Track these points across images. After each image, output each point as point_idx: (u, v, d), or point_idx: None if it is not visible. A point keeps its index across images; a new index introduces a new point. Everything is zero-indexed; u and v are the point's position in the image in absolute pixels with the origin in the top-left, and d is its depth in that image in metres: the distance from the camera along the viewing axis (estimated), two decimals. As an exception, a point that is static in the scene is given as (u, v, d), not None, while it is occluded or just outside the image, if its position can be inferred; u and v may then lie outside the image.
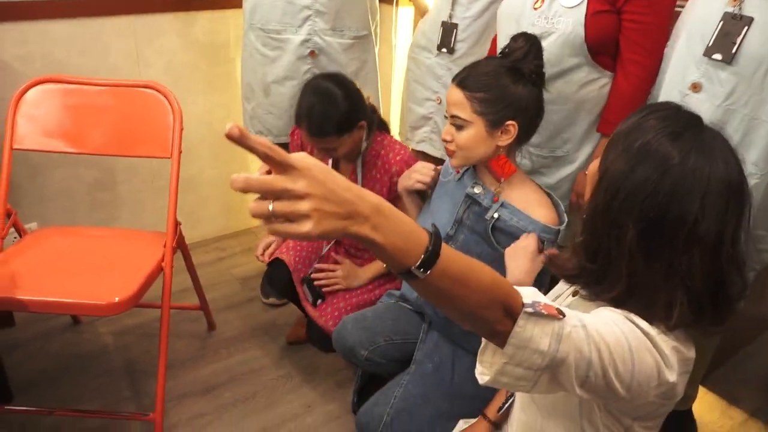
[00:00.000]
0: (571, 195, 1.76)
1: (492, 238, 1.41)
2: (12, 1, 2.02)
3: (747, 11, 1.29)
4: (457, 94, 1.39)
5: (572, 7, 1.54)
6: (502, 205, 1.41)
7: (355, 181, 1.81)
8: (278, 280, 1.92)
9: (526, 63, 1.39)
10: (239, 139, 0.59)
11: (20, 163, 2.16)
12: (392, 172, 1.77)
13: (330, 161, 1.84)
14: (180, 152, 1.85)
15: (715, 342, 1.68)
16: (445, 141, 1.42)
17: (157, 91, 1.87)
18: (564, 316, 0.77)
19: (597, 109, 1.65)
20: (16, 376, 1.96)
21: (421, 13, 2.27)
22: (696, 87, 1.39)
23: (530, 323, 0.74)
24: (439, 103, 2.11)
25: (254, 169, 2.49)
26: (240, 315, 2.37)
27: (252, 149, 0.60)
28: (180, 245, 1.93)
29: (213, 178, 2.72)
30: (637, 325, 0.85)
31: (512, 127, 1.38)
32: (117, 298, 1.58)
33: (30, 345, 2.15)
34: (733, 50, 1.30)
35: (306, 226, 0.61)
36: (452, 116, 1.40)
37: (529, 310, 0.74)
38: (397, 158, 1.77)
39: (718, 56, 1.33)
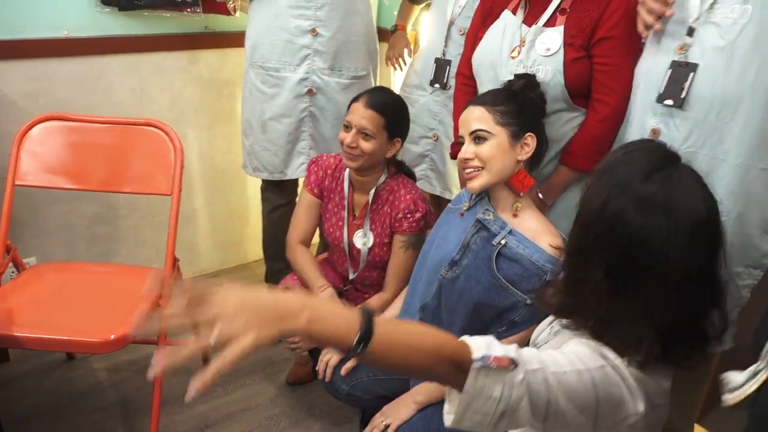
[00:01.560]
0: None
1: (494, 264, 1.42)
2: (19, 39, 2.07)
3: (692, 58, 1.37)
4: (477, 110, 1.42)
5: (550, 56, 1.58)
6: (510, 232, 1.43)
7: (365, 212, 1.82)
8: None
9: (530, 87, 1.50)
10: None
11: (21, 198, 2.17)
12: (399, 208, 1.79)
13: (347, 186, 1.84)
14: (180, 190, 1.87)
15: (705, 377, 1.68)
16: (466, 161, 1.42)
17: (159, 128, 1.90)
18: (516, 365, 0.81)
19: None
20: (9, 412, 1.95)
21: (398, 52, 2.33)
22: (655, 132, 1.45)
23: (481, 376, 0.80)
24: (436, 140, 2.15)
25: (256, 205, 2.50)
26: (236, 351, 2.36)
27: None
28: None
29: (213, 213, 2.74)
30: (606, 358, 0.88)
31: (531, 138, 1.43)
32: (112, 336, 1.58)
33: (23, 381, 2.13)
34: (682, 95, 1.38)
35: (249, 338, 0.67)
36: (474, 131, 1.42)
37: (478, 365, 0.80)
38: (407, 196, 1.80)
39: (669, 102, 1.40)
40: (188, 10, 2.27)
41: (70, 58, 2.18)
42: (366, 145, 1.71)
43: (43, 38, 2.11)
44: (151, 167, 1.90)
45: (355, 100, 1.75)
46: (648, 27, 1.43)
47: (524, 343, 1.48)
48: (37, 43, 2.10)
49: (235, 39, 2.40)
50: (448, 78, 2.09)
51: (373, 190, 1.81)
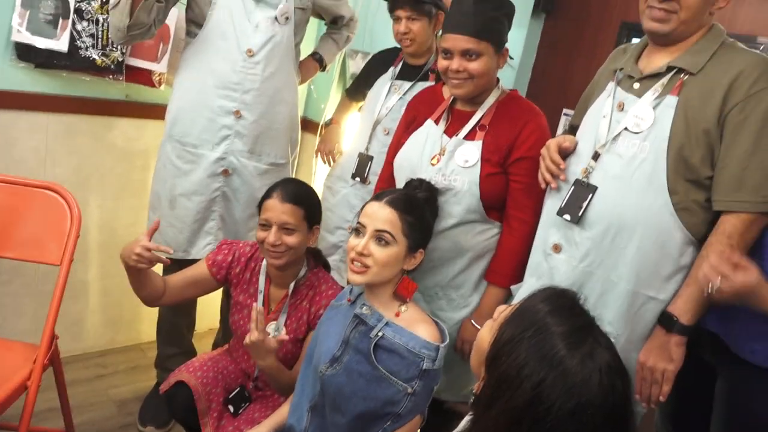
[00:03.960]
0: (456, 340, 1.77)
1: (373, 356, 1.42)
2: None
3: (593, 181, 1.45)
4: (389, 212, 1.43)
5: (468, 168, 1.65)
6: (386, 324, 1.44)
7: (282, 306, 1.75)
8: (181, 405, 1.72)
9: (430, 203, 1.56)
10: None
11: None
12: (321, 304, 1.73)
13: (263, 279, 1.76)
14: (71, 261, 1.74)
15: None
16: (360, 255, 1.41)
17: (57, 193, 1.78)
18: None
19: (489, 256, 1.74)
20: None
21: (330, 147, 2.38)
22: (557, 248, 1.50)
23: None
24: (350, 232, 2.14)
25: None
26: (111, 443, 2.14)
27: None
28: (53, 362, 1.74)
29: (106, 286, 2.55)
30: None
31: (420, 254, 1.49)
32: (-36, 421, 1.39)
33: None
34: (579, 213, 1.44)
35: None
36: (380, 231, 1.42)
37: None
38: (329, 292, 1.75)
39: (567, 216, 1.46)
40: (110, 76, 2.21)
41: (-29, 110, 2.06)
42: (290, 240, 1.66)
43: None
44: (42, 233, 1.76)
45: (267, 197, 1.70)
46: (546, 182, 1.52)
47: None
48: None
49: (156, 111, 2.35)
50: (368, 173, 2.13)
51: (292, 285, 1.75)
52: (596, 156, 1.45)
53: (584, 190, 1.45)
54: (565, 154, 1.52)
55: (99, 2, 2.12)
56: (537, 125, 1.68)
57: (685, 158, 1.34)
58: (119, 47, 2.19)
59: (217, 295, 2.44)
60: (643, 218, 1.38)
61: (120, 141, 2.40)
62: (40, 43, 2.05)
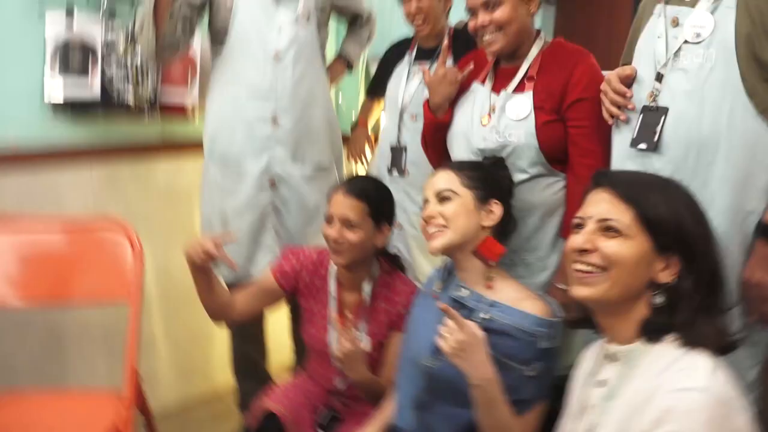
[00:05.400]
0: None
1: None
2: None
3: (662, 103, 1.37)
4: (444, 174, 1.43)
5: (521, 120, 1.58)
6: (491, 305, 1.34)
7: (361, 310, 1.65)
8: None
9: (497, 167, 1.53)
10: None
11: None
12: (399, 303, 1.64)
13: (334, 285, 1.68)
14: (141, 297, 1.66)
15: None
16: (429, 221, 1.40)
17: (116, 228, 1.72)
18: None
19: (560, 212, 1.64)
20: None
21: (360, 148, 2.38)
22: None
23: None
24: (400, 228, 2.06)
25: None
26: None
27: None
28: (140, 405, 1.65)
29: (173, 336, 2.47)
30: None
31: (496, 206, 1.42)
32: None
33: None
34: (655, 138, 1.37)
35: None
36: (439, 191, 1.41)
37: None
38: (406, 289, 1.66)
39: (642, 146, 1.39)
40: (146, 116, 2.19)
41: (16, 174, 2.00)
42: (351, 236, 1.57)
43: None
44: (104, 273, 1.71)
45: (333, 192, 1.65)
46: (613, 116, 1.45)
47: (541, 420, 1.35)
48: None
49: (193, 148, 2.30)
50: (404, 164, 2.07)
51: (368, 287, 1.65)
52: (659, 77, 1.37)
53: (654, 114, 1.37)
54: (628, 83, 1.44)
55: (123, 46, 2.11)
56: (588, 66, 1.60)
57: (757, 57, 1.27)
58: (150, 87, 2.18)
59: (285, 328, 2.34)
60: (725, 129, 1.29)
61: (162, 183, 2.36)
62: (74, 93, 2.03)
